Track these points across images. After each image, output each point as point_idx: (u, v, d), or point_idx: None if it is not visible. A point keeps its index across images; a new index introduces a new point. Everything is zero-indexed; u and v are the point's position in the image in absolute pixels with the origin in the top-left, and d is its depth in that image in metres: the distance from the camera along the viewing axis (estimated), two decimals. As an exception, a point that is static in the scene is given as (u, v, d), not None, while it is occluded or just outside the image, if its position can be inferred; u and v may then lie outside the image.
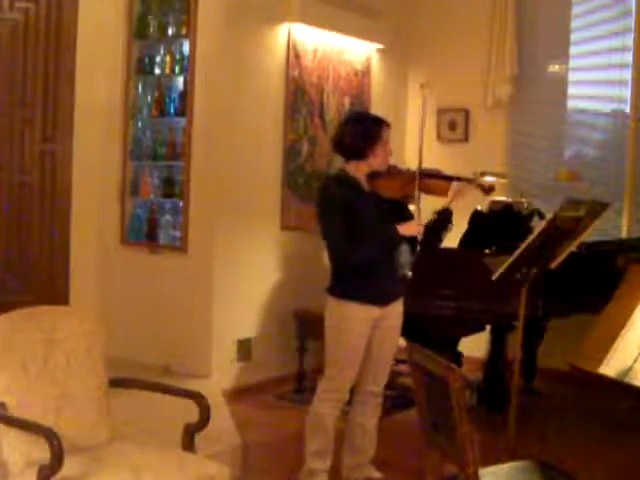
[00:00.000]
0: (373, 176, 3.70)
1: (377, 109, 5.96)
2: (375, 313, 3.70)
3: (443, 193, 3.75)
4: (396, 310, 3.82)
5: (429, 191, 3.76)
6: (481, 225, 5.19)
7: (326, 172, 5.85)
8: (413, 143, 6.26)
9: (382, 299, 3.72)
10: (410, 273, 3.75)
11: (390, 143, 3.77)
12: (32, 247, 5.57)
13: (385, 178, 3.71)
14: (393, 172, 3.76)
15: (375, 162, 3.69)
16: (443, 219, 3.81)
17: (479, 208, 5.21)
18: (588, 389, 5.07)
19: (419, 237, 3.65)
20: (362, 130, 3.68)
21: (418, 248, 3.70)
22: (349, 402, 3.88)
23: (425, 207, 3.73)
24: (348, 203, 3.62)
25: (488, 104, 6.27)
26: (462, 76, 6.39)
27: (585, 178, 5.37)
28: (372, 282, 3.67)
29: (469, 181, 3.80)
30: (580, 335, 3.21)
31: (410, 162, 5.77)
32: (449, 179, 3.77)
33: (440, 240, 4.80)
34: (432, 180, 3.73)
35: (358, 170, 3.71)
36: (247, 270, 5.43)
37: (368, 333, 3.71)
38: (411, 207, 3.78)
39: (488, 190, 3.93)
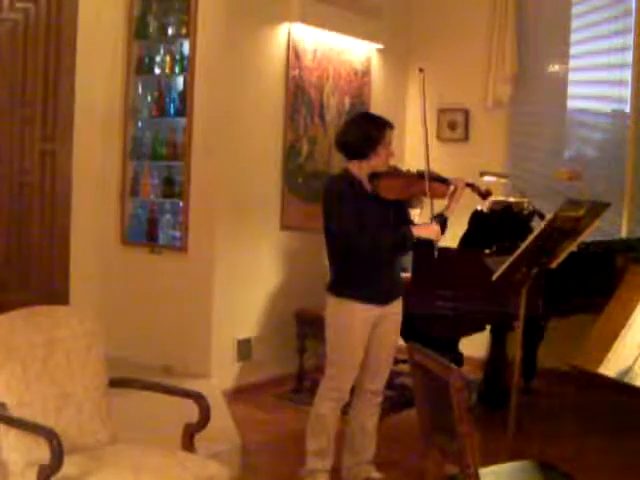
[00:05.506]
0: (374, 176, 3.69)
1: (377, 109, 5.96)
2: (375, 312, 3.71)
3: (441, 197, 3.74)
4: (396, 309, 3.83)
5: (430, 194, 3.73)
6: (481, 225, 5.19)
7: (326, 172, 5.85)
8: (413, 143, 6.28)
9: (382, 298, 3.73)
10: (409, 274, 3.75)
11: (393, 144, 3.77)
12: (32, 247, 5.57)
13: (386, 179, 3.69)
14: (394, 173, 3.75)
15: (376, 163, 3.69)
16: (440, 225, 3.77)
17: (479, 208, 5.21)
18: (588, 389, 5.09)
19: (435, 239, 3.63)
20: (365, 130, 3.69)
21: (436, 254, 3.66)
22: (349, 402, 3.89)
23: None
24: (354, 200, 3.63)
25: (488, 104, 6.27)
26: (462, 76, 6.39)
27: (585, 178, 5.35)
28: (372, 281, 3.68)
29: (468, 185, 3.79)
30: (580, 335, 3.21)
31: (410, 162, 5.79)
32: (447, 183, 3.75)
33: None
34: (433, 183, 3.71)
35: (360, 170, 3.71)
36: (247, 270, 5.43)
37: (368, 332, 3.72)
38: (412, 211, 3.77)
39: (485, 195, 3.92)
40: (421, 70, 3.77)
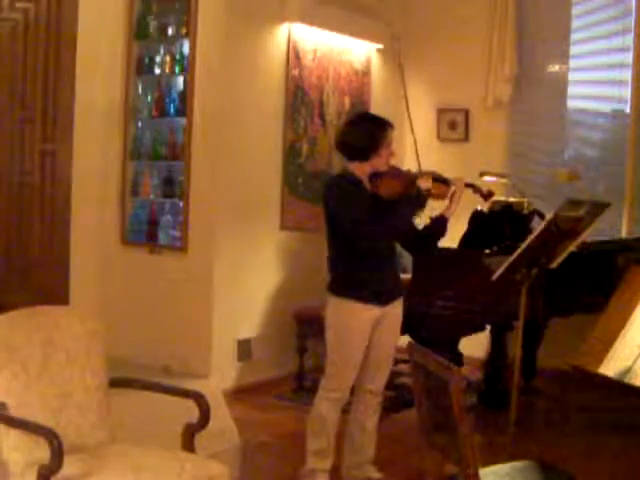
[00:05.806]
0: (374, 176, 3.69)
1: (377, 109, 5.96)
2: (375, 312, 3.70)
3: (442, 197, 3.74)
4: (396, 310, 3.82)
5: (430, 194, 3.74)
6: (481, 225, 5.19)
7: (326, 172, 5.85)
8: (413, 143, 6.27)
9: (383, 298, 3.72)
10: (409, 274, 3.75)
11: (393, 144, 3.77)
12: (32, 247, 5.57)
13: (386, 179, 3.69)
14: (394, 173, 3.75)
15: (377, 163, 3.69)
16: (439, 226, 3.76)
17: (479, 208, 5.21)
18: (588, 389, 5.08)
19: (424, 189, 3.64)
20: (366, 131, 3.68)
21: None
22: (349, 402, 3.89)
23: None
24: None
25: (488, 104, 6.27)
26: (462, 76, 6.39)
27: (585, 178, 5.36)
28: (373, 281, 3.67)
29: (468, 186, 3.79)
30: (580, 335, 3.21)
31: (410, 162, 5.80)
32: (448, 183, 3.75)
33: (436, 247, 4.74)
34: (433, 183, 3.71)
35: (361, 170, 3.71)
36: (247, 270, 5.44)
37: (368, 332, 3.71)
38: None
39: (487, 196, 3.91)
40: (396, 38, 3.75)
